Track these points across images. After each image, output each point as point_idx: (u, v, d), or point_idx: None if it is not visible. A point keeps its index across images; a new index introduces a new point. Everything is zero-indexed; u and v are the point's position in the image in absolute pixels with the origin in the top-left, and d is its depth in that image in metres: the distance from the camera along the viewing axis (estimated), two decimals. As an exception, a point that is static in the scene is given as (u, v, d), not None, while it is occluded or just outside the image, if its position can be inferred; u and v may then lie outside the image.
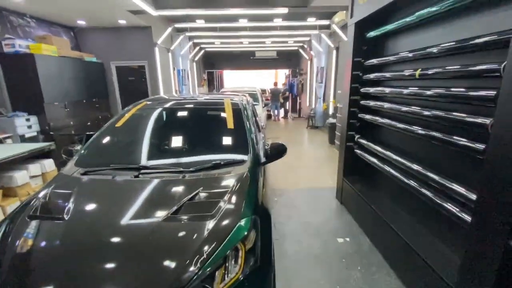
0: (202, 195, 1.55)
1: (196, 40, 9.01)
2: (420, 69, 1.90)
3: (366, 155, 2.88)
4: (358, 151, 3.04)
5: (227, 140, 2.24)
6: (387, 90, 2.49)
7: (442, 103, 1.87)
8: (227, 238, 1.24)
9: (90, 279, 1.08)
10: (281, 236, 2.68)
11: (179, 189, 1.62)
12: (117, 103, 6.80)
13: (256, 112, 4.10)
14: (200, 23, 6.77)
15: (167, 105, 2.60)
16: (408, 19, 2.13)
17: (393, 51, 2.56)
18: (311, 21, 6.72)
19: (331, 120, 6.48)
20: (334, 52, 7.31)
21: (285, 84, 12.63)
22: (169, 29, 6.62)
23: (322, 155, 5.77)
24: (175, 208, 1.39)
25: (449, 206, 1.72)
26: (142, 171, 1.80)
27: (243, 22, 6.81)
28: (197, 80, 10.88)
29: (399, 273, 2.13)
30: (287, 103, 12.30)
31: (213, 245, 1.20)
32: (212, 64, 13.46)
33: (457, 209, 1.65)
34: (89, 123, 5.82)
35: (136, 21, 5.79)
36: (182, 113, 2.51)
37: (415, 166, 2.07)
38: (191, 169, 1.80)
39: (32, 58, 4.48)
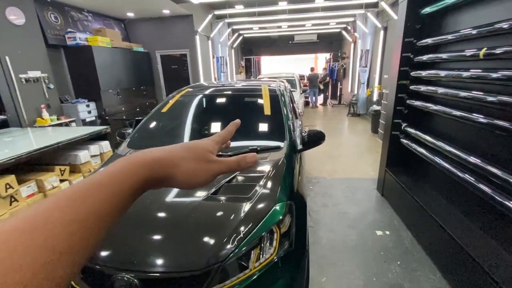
0: (240, 178, 1.61)
1: (235, 27, 9.03)
2: (485, 48, 1.66)
3: (413, 145, 2.66)
4: (404, 141, 2.82)
5: (264, 126, 2.26)
6: (443, 73, 2.24)
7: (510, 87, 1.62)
8: (263, 221, 1.28)
9: (137, 249, 1.21)
10: (316, 224, 2.67)
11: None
12: (162, 90, 7.23)
13: (293, 99, 4.03)
14: (239, 8, 6.74)
15: (207, 91, 2.69)
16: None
17: (452, 29, 2.26)
18: (357, -1, 6.23)
19: (375, 107, 6.07)
20: (382, 33, 6.73)
21: (325, 69, 12.06)
22: (209, 16, 6.73)
23: (363, 144, 5.48)
24: (214, 189, 1.47)
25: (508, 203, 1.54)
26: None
27: (282, 5, 6.60)
28: (235, 67, 10.99)
29: (443, 272, 1.98)
30: (327, 89, 11.80)
31: (249, 226, 1.25)
32: (250, 50, 13.42)
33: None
34: (138, 109, 6.31)
35: (178, 9, 5.99)
36: (220, 100, 2.59)
37: (473, 159, 1.85)
38: (228, 153, 1.87)
39: (89, 50, 4.95)
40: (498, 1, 1.80)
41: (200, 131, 2.31)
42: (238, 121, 0.48)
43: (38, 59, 4.42)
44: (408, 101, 2.76)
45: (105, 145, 3.58)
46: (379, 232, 2.51)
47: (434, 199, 2.40)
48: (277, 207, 1.39)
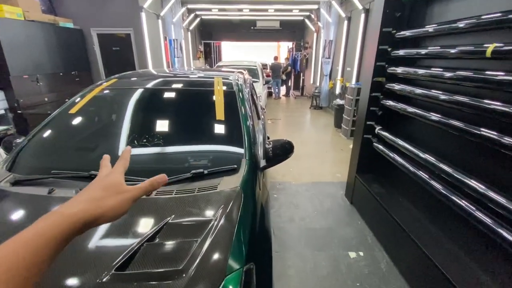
0: (170, 231, 1.05)
1: (190, 6, 8.05)
2: (495, 44, 1.31)
3: (387, 151, 2.36)
4: (377, 145, 2.52)
5: (214, 137, 1.70)
6: (421, 71, 1.92)
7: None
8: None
9: None
10: (282, 247, 2.25)
11: (136, 217, 1.11)
12: (101, 75, 6.09)
13: (255, 92, 3.51)
14: (193, -16, 5.88)
15: (138, 84, 2.02)
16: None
17: (438, 20, 1.93)
18: (322, -15, 5.83)
19: (339, 101, 5.87)
20: (345, 23, 6.48)
21: (288, 58, 11.71)
22: (157, -9, 5.74)
23: (327, 140, 5.25)
24: (122, 258, 0.89)
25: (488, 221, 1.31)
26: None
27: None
28: (192, 52, 10.00)
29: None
30: (289, 80, 11.50)
31: None
32: (209, 34, 12.42)
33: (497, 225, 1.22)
34: (67, 100, 5.19)
35: (117, -21, 4.94)
36: (154, 97, 1.92)
37: (452, 170, 1.60)
38: (168, 180, 1.29)
39: (-10, 22, 3.76)
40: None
41: (121, 144, 1.64)
42: (129, 148, 0.56)
43: None
44: (383, 101, 2.44)
45: None
46: (352, 254, 2.18)
47: (410, 214, 2.14)
48: (229, 280, 0.88)
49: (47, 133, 1.66)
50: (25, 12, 4.33)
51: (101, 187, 0.43)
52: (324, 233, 2.44)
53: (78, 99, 1.85)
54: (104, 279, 0.83)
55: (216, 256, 0.94)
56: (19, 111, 4.11)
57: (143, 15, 5.63)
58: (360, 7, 5.47)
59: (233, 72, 2.59)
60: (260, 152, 1.67)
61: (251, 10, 9.02)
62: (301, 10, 9.12)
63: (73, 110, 1.75)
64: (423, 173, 1.92)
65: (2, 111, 4.08)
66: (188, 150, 1.60)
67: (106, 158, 0.54)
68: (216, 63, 10.77)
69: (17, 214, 1.14)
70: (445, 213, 1.85)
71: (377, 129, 2.50)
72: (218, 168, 1.41)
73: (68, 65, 5.30)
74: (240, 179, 1.34)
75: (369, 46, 2.47)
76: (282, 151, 1.69)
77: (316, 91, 8.30)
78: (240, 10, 9.01)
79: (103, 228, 1.04)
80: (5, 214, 1.12)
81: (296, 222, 2.59)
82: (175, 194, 1.24)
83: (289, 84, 11.56)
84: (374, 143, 2.56)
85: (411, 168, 2.04)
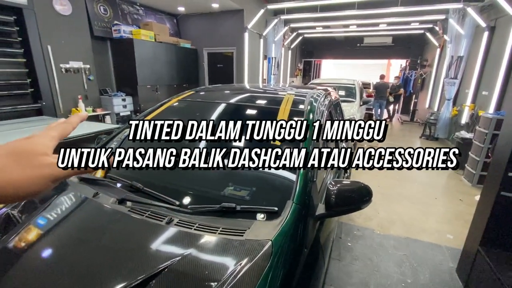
0: (166, 281, 0.81)
1: (293, 25, 8.14)
2: None
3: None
4: (526, 212, 1.59)
5: (264, 165, 1.40)
6: None
7: None
8: None
9: None
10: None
11: (137, 247, 0.94)
12: (206, 89, 6.87)
13: (342, 113, 3.01)
14: (297, 1, 5.87)
15: (207, 98, 1.97)
16: None
17: None
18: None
19: (464, 133, 4.47)
20: (485, 34, 4.99)
21: (398, 77, 10.13)
22: (261, 11, 6.03)
23: (439, 183, 4.02)
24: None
25: None
26: (127, 195, 1.21)
27: (350, -2, 5.48)
28: (290, 70, 10.10)
29: None
30: (398, 102, 9.86)
31: None
32: (310, 52, 12.32)
33: None
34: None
35: (229, 3, 5.47)
36: (217, 110, 1.79)
37: None
38: (188, 210, 1.11)
39: (131, 43, 4.79)
40: None
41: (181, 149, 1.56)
42: (85, 114, 0.45)
43: (81, 50, 4.40)
44: (545, 145, 1.52)
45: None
46: None
47: None
48: None
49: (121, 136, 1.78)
50: (157, 35, 5.34)
51: (9, 153, 0.31)
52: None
53: (158, 107, 1.93)
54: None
55: None
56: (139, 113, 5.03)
57: (246, 35, 6.02)
58: (513, 11, 4.06)
59: (317, 89, 2.24)
60: (315, 194, 1.24)
61: (358, 25, 8.34)
62: (421, 22, 7.74)
63: (148, 117, 1.83)
64: None
65: (128, 112, 5.08)
66: (232, 174, 1.36)
67: (81, 116, 0.42)
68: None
69: (61, 209, 1.17)
70: None
71: (530, 186, 1.58)
72: (253, 207, 1.11)
73: (181, 78, 6.21)
74: (277, 230, 0.98)
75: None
76: (351, 199, 1.21)
77: (432, 117, 6.71)
78: (346, 26, 8.48)
79: (88, 252, 0.91)
80: (54, 207, 1.17)
81: (371, 291, 1.93)
82: (194, 229, 1.01)
83: (396, 107, 9.94)
84: (521, 208, 1.63)
85: None
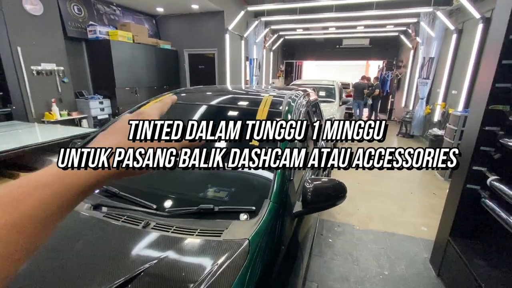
0: (143, 283, 0.81)
1: (274, 26, 8.24)
2: None
3: (505, 215, 1.55)
4: (488, 203, 1.71)
5: (244, 165, 1.41)
6: None
7: None
8: None
9: None
10: (324, 316, 1.72)
11: (115, 252, 0.93)
12: (187, 91, 6.80)
13: (322, 114, 3.09)
14: (277, 3, 5.95)
15: (186, 100, 1.95)
16: None
17: None
18: (424, -7, 4.96)
19: (436, 130, 4.72)
20: (454, 37, 5.30)
21: (377, 78, 10.44)
22: (242, 13, 6.06)
23: (415, 179, 4.21)
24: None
25: None
26: (102, 200, 1.18)
27: (328, 0, 5.62)
28: (272, 71, 10.20)
29: None
30: (378, 103, 10.09)
31: None
32: (292, 54, 12.52)
33: None
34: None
35: (208, 5, 5.45)
36: (196, 112, 1.79)
37: None
38: (161, 211, 1.10)
39: (108, 44, 4.66)
40: None
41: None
42: (175, 97, 0.53)
43: (54, 51, 4.21)
44: (503, 140, 1.65)
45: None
46: None
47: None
48: None
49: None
50: (135, 36, 5.22)
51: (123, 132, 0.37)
52: (389, 312, 1.77)
53: (135, 109, 1.89)
54: None
55: None
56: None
57: (227, 36, 6.02)
58: (478, 16, 4.34)
59: (295, 90, 2.28)
60: (294, 193, 1.28)
61: (337, 28, 8.57)
62: (396, 25, 8.09)
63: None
64: None
65: (106, 116, 4.93)
66: (210, 175, 1.36)
67: (172, 98, 0.52)
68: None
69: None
70: None
71: (491, 179, 1.70)
72: (231, 207, 1.12)
73: (162, 80, 6.10)
74: (254, 228, 1.00)
75: (487, 62, 1.75)
76: (327, 196, 1.25)
77: (408, 116, 7.03)
78: (326, 28, 8.68)
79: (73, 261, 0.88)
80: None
81: (350, 284, 1.99)
82: (172, 232, 1.00)
83: (376, 108, 10.22)
84: (483, 199, 1.75)
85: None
